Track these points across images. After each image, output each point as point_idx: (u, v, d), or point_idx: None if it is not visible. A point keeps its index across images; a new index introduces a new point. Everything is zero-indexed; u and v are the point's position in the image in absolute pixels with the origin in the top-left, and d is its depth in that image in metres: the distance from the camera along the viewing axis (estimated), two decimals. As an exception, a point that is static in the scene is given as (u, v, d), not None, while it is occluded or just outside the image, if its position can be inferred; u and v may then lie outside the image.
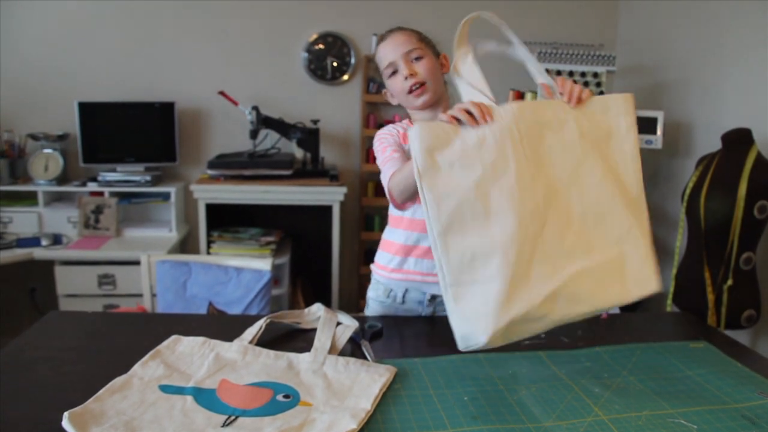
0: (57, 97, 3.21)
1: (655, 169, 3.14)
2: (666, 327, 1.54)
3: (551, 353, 1.30)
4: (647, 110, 2.82)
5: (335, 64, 3.36)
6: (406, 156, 1.45)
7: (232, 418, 1.02)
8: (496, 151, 1.10)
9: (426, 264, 1.54)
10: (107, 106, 3.14)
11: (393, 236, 1.59)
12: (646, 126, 2.80)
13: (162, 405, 1.04)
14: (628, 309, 2.96)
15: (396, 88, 1.46)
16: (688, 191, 2.32)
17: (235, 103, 3.15)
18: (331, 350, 1.26)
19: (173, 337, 1.26)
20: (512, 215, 1.08)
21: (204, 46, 3.31)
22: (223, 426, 0.99)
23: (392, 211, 1.57)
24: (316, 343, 1.27)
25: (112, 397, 1.05)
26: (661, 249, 3.04)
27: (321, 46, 3.34)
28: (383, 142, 1.51)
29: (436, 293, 1.56)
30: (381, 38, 1.49)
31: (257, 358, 1.23)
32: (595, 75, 2.66)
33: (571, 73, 2.68)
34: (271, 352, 1.24)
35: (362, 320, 1.43)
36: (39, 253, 2.82)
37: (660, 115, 2.79)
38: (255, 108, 3.09)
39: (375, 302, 1.64)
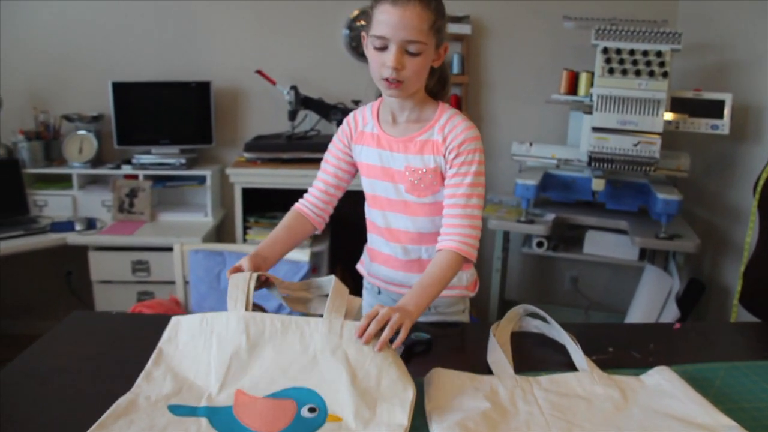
0: (91, 77, 3.13)
1: (719, 156, 2.92)
2: (750, 341, 1.37)
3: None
4: (713, 92, 2.61)
5: (377, 41, 3.19)
6: (347, 164, 1.46)
7: None
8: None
9: (384, 271, 1.50)
10: (142, 86, 3.06)
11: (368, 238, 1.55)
12: (712, 110, 2.60)
13: (174, 431, 0.93)
14: (686, 304, 2.78)
15: (374, 63, 1.27)
16: (761, 182, 2.12)
17: (273, 83, 3.03)
18: (346, 316, 1.12)
19: (173, 322, 1.13)
20: None
21: (241, 23, 3.19)
22: None
23: None
24: (330, 305, 1.10)
25: (118, 423, 0.93)
26: (729, 243, 2.84)
27: (363, 22, 3.17)
28: (333, 142, 1.47)
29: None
30: None
31: (262, 334, 1.07)
32: (659, 54, 2.45)
33: (632, 52, 2.47)
34: (276, 321, 1.09)
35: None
36: (72, 238, 2.76)
37: (728, 98, 2.58)
38: (294, 88, 2.96)
39: (364, 288, 1.63)
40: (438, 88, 1.39)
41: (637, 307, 2.77)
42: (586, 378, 1.10)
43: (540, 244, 2.90)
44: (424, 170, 1.34)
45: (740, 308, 2.25)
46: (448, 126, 1.33)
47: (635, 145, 2.49)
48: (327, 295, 1.14)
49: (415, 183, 1.35)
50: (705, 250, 2.96)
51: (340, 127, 1.46)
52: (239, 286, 1.13)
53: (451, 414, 0.96)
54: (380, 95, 1.41)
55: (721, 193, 2.91)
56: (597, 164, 2.56)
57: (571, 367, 1.17)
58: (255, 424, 0.94)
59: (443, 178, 1.35)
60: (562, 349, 1.23)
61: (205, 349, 1.07)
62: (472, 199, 1.31)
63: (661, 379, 1.10)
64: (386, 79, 1.25)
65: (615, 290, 3.40)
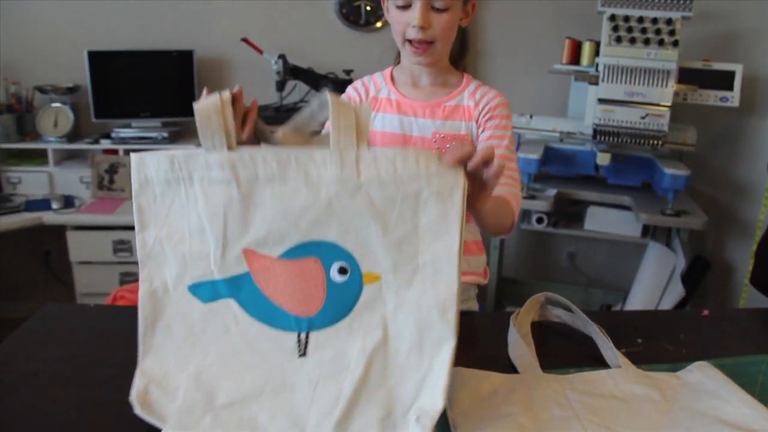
0: (65, 46, 2.95)
1: (728, 129, 2.82)
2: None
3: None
4: (723, 63, 2.51)
5: (369, 7, 3.04)
6: None
7: (304, 338, 0.83)
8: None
9: None
10: (120, 54, 2.89)
11: None
12: (721, 81, 2.49)
13: (214, 328, 0.85)
14: (691, 282, 2.69)
15: (397, 26, 1.16)
16: (777, 157, 2.03)
17: (260, 51, 2.87)
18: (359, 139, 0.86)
19: (136, 161, 0.87)
20: None
21: (225, -12, 3.01)
22: (300, 356, 0.83)
23: None
24: (334, 129, 0.83)
25: (158, 334, 0.85)
26: (734, 219, 2.76)
27: (353, -11, 3.02)
28: None
29: None
30: None
31: (255, 179, 0.84)
32: (669, 21, 2.33)
33: (641, 20, 2.35)
34: (270, 160, 0.83)
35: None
36: (49, 217, 2.61)
37: (738, 69, 2.48)
38: (282, 56, 2.81)
39: None
40: (460, 53, 1.28)
41: (641, 285, 2.69)
42: (620, 376, 1.00)
43: (540, 220, 2.79)
44: (454, 137, 1.23)
45: (750, 288, 2.17)
46: (479, 92, 1.24)
47: (643, 118, 2.38)
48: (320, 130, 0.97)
49: (443, 151, 1.23)
50: (708, 226, 2.88)
51: (344, 96, 1.32)
52: (211, 117, 0.86)
53: (480, 422, 0.85)
54: (394, 65, 1.29)
55: (726, 168, 2.82)
56: (602, 137, 2.45)
57: (600, 362, 1.06)
58: (288, 302, 0.84)
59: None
60: (587, 342, 1.12)
61: (190, 202, 0.86)
62: (512, 162, 1.21)
63: (703, 377, 0.99)
64: (411, 42, 1.14)
65: (613, 267, 3.32)
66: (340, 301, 0.83)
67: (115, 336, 1.09)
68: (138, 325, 0.85)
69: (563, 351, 1.10)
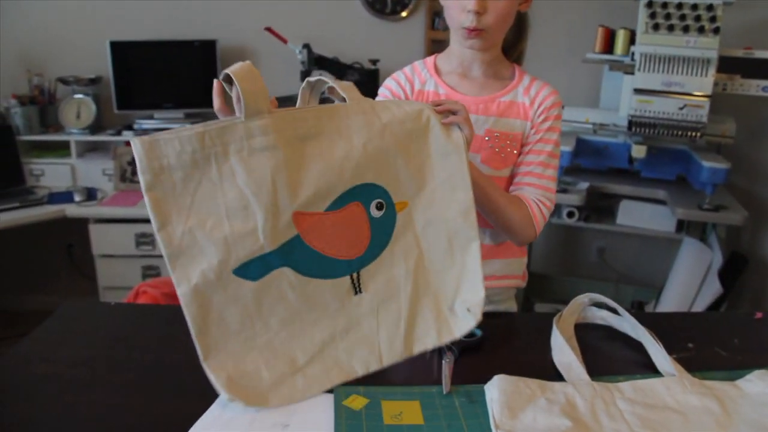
0: (87, 37, 2.93)
1: (765, 120, 2.71)
2: None
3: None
4: (766, 51, 2.40)
5: (395, -4, 2.98)
6: None
7: (356, 277, 0.91)
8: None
9: None
10: (142, 45, 2.86)
11: None
12: (763, 70, 2.38)
13: (269, 300, 0.85)
14: (728, 279, 2.60)
15: (451, 10, 1.11)
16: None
17: (284, 41, 2.82)
18: None
19: (142, 148, 0.77)
20: None
21: (249, -24, 2.96)
22: (356, 294, 0.91)
23: None
24: (344, 92, 0.91)
25: (212, 329, 0.82)
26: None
27: (379, -24, 2.96)
28: None
29: None
30: None
31: (295, 138, 0.84)
32: (710, 8, 2.23)
33: (679, 6, 2.25)
34: (304, 115, 0.86)
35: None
36: (72, 210, 2.60)
37: (781, 57, 2.37)
38: (306, 46, 2.76)
39: None
40: (515, 40, 1.22)
41: (676, 282, 2.60)
42: (675, 385, 0.92)
43: (571, 215, 2.71)
44: (511, 136, 1.17)
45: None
46: (534, 88, 1.18)
47: (681, 109, 2.29)
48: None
49: (496, 151, 1.17)
50: (747, 221, 2.79)
51: (385, 89, 1.23)
52: (250, 78, 0.82)
53: None
54: (433, 53, 1.23)
55: (765, 161, 2.72)
56: (638, 129, 2.36)
57: (650, 368, 0.99)
58: (336, 248, 0.89)
59: (522, 146, 1.19)
60: (636, 346, 1.05)
61: (224, 180, 0.80)
62: (549, 170, 1.17)
63: (765, 387, 0.92)
64: (466, 28, 1.08)
65: (644, 262, 3.22)
66: (382, 234, 0.92)
67: (136, 337, 1.05)
68: (189, 328, 0.81)
69: (611, 356, 1.04)
